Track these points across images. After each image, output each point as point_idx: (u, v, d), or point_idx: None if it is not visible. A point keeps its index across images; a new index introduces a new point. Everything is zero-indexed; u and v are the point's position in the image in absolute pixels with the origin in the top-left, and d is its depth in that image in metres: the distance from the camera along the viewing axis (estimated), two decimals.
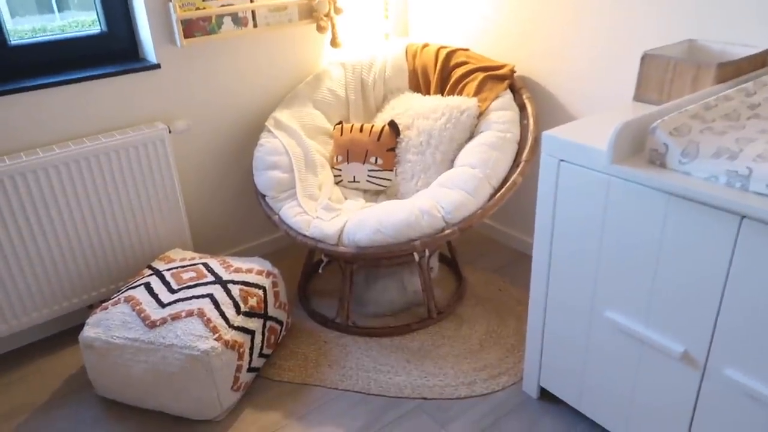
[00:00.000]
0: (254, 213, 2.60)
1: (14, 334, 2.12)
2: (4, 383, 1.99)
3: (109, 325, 1.79)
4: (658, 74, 1.61)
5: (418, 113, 2.21)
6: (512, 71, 2.21)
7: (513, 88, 2.22)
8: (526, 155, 2.01)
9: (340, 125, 2.30)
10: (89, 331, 1.80)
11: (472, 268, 2.49)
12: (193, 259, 2.07)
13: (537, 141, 2.06)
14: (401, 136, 2.23)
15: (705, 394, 1.33)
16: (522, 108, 2.15)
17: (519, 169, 1.98)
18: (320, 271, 2.15)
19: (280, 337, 2.07)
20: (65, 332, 2.23)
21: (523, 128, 2.10)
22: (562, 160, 1.46)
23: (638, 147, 1.33)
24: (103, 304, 1.88)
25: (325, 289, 2.40)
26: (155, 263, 2.09)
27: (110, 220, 2.10)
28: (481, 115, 2.14)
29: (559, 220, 1.52)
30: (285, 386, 1.92)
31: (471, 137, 2.14)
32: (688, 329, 1.31)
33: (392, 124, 2.22)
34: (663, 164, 1.26)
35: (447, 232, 1.90)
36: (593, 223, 1.43)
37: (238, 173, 2.48)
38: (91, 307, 2.26)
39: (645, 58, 1.63)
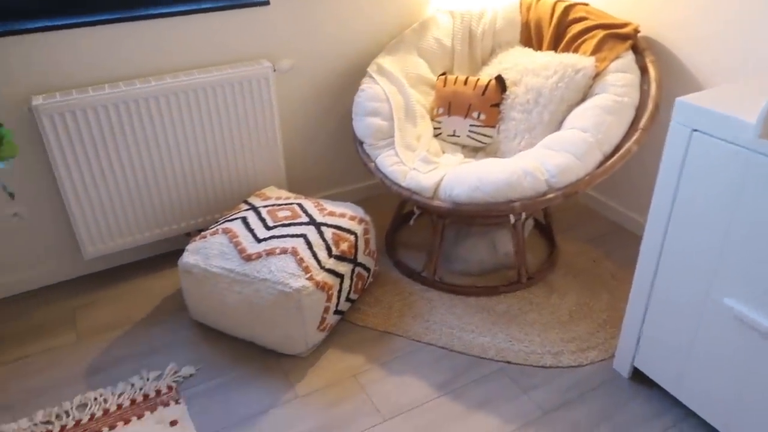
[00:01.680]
0: (348, 158, 2.59)
1: (120, 252, 2.24)
2: (109, 296, 2.12)
3: (207, 254, 1.85)
4: None
5: (528, 69, 2.10)
6: (636, 31, 2.05)
7: (635, 50, 2.06)
8: (644, 123, 1.87)
9: (443, 76, 2.22)
10: (188, 258, 1.87)
11: (566, 236, 2.40)
12: (288, 198, 2.10)
13: (657, 108, 1.91)
14: (507, 93, 2.13)
15: None
16: (644, 71, 2.00)
17: (635, 137, 1.86)
18: (411, 223, 2.13)
19: (367, 284, 2.08)
20: (164, 255, 2.34)
21: (643, 93, 1.95)
22: (695, 130, 1.34)
23: None
24: (202, 233, 1.94)
25: (412, 241, 2.38)
26: (251, 199, 2.13)
27: (211, 153, 2.15)
28: (597, 76, 2.01)
29: (682, 196, 1.41)
30: (368, 332, 1.94)
31: (583, 99, 2.02)
32: None
33: (499, 79, 2.13)
34: None
35: (549, 196, 1.82)
36: (724, 202, 1.31)
37: (336, 117, 2.47)
38: (188, 235, 2.36)
39: None
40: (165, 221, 2.18)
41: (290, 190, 2.52)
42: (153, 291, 2.15)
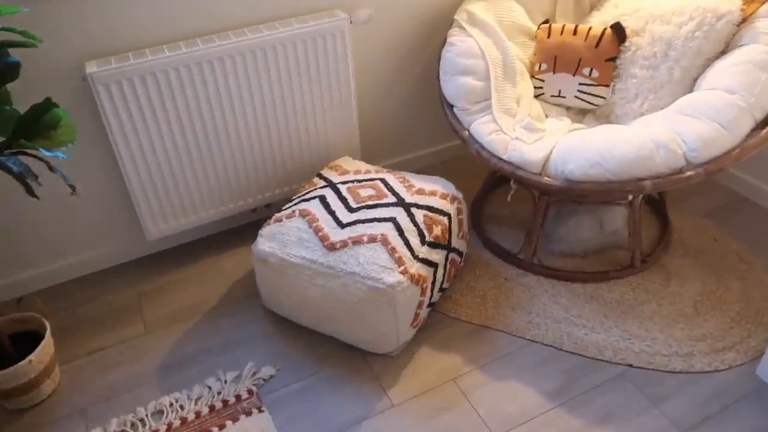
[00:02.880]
0: (426, 120, 2.31)
1: (184, 231, 2.05)
2: (174, 281, 1.95)
3: (284, 241, 1.64)
4: None
5: (654, 15, 1.75)
6: None
7: None
8: None
9: (546, 25, 1.90)
10: (264, 244, 1.66)
11: (679, 210, 2.10)
12: (369, 172, 1.85)
13: None
14: (627, 44, 1.80)
15: None
16: None
17: None
18: (509, 199, 1.86)
19: (459, 270, 1.86)
20: (229, 232, 2.15)
21: None
22: None
23: None
24: (276, 215, 1.73)
25: (502, 214, 2.12)
26: (326, 172, 1.90)
27: (281, 119, 1.91)
28: (743, 22, 1.65)
29: None
30: (463, 326, 1.73)
31: (723, 52, 1.67)
32: None
33: (616, 28, 1.79)
34: None
35: (688, 174, 1.52)
36: None
37: (414, 75, 2.18)
38: (254, 211, 2.15)
39: None
40: (231, 197, 1.98)
41: (363, 157, 2.27)
42: (220, 274, 1.97)
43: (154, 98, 1.70)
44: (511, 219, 2.10)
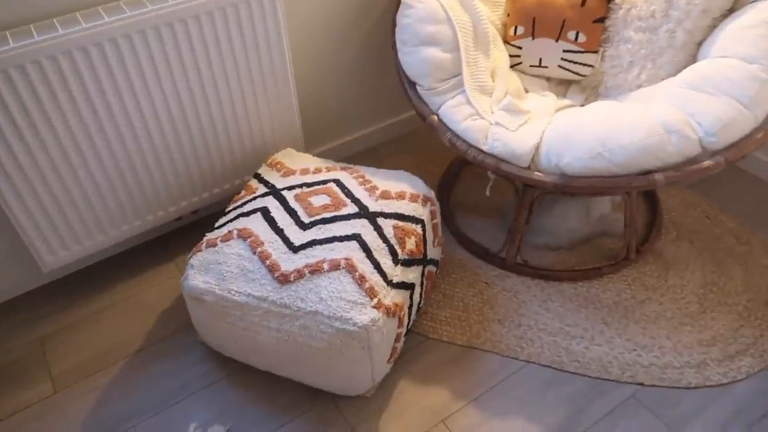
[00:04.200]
0: (373, 92, 1.97)
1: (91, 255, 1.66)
2: (85, 317, 1.57)
3: (222, 273, 1.30)
4: None
5: None
6: None
7: None
8: None
9: None
10: (196, 279, 1.31)
11: None
12: (319, 171, 1.51)
13: None
14: (618, 1, 1.51)
15: None
16: None
17: None
18: (488, 193, 1.58)
19: (435, 281, 1.58)
20: (150, 245, 1.77)
21: None
22: None
23: None
24: (209, 237, 1.38)
25: (474, 202, 1.85)
26: (264, 172, 1.54)
27: (201, 107, 1.52)
28: None
29: None
30: (446, 348, 1.47)
31: (732, 10, 1.42)
32: None
33: None
34: None
35: (706, 164, 1.29)
36: None
37: (356, 41, 1.82)
38: (179, 219, 1.77)
39: None
40: (147, 208, 1.59)
41: (306, 142, 1.91)
42: (143, 303, 1.61)
43: (41, 92, 1.27)
44: (484, 207, 1.83)
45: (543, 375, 1.41)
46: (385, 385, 1.40)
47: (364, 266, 1.27)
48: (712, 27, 1.42)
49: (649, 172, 1.30)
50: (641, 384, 1.38)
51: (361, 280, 1.24)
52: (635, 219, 1.56)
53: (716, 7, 1.40)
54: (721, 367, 1.40)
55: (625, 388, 1.38)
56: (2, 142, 1.29)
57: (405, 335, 1.41)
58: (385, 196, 1.43)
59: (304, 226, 1.35)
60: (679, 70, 1.44)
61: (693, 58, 1.44)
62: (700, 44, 1.43)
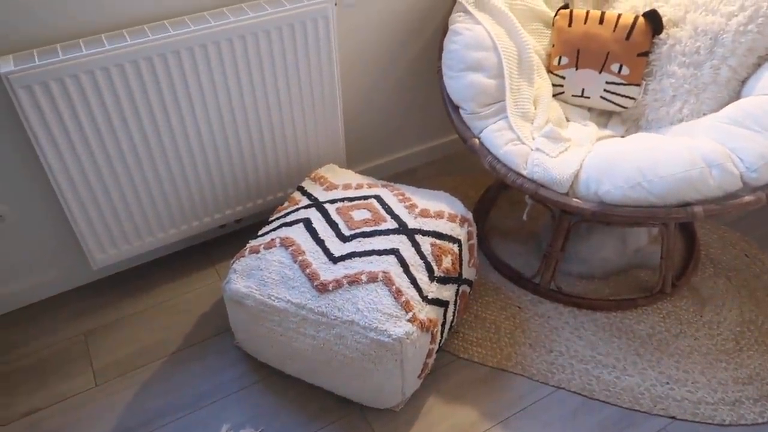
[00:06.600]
0: (416, 114, 2.02)
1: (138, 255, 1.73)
2: (128, 315, 1.64)
3: (264, 279, 1.35)
4: None
5: (696, 2, 1.49)
6: None
7: None
8: None
9: (567, 11, 1.61)
10: (238, 283, 1.36)
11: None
12: (361, 187, 1.56)
13: None
14: (662, 36, 1.54)
15: None
16: None
17: None
18: (525, 218, 1.61)
19: (469, 302, 1.60)
20: (192, 251, 1.83)
21: None
22: None
23: None
24: (252, 244, 1.43)
25: (509, 226, 1.87)
26: (308, 185, 1.60)
27: (252, 120, 1.59)
28: None
29: None
30: (476, 369, 1.48)
31: None
32: None
33: (651, 16, 1.52)
34: None
35: (746, 199, 1.29)
36: None
37: (404, 64, 1.88)
38: (223, 227, 1.84)
39: None
40: (194, 214, 1.66)
41: (348, 158, 1.97)
42: (184, 305, 1.67)
43: (93, 102, 1.36)
44: (520, 232, 1.85)
45: (573, 402, 1.41)
46: (414, 401, 1.42)
47: (401, 280, 1.30)
48: (758, 65, 1.43)
49: (688, 204, 1.31)
50: (673, 417, 1.37)
51: (397, 294, 1.28)
52: (672, 252, 1.56)
53: (762, 46, 1.41)
54: (757, 407, 1.38)
55: (657, 420, 1.36)
56: (67, 142, 1.37)
57: (436, 352, 1.43)
58: (424, 214, 1.46)
59: (344, 239, 1.40)
60: (722, 106, 1.45)
61: (737, 95, 1.46)
62: (744, 81, 1.45)
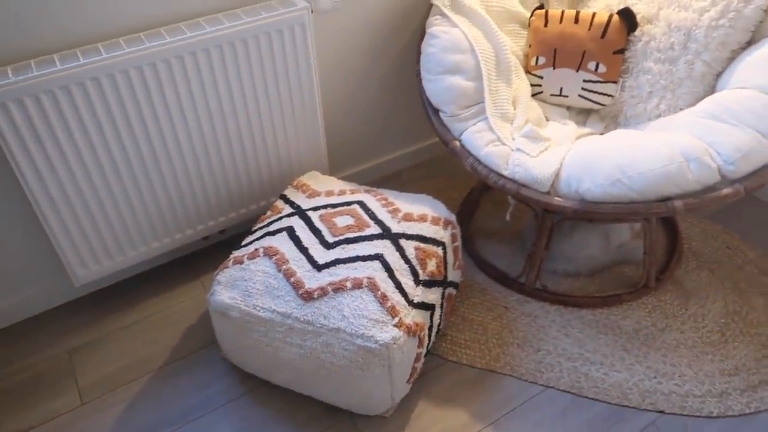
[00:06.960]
0: (397, 118, 2.02)
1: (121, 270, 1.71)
2: (112, 331, 1.62)
3: (248, 289, 1.34)
4: None
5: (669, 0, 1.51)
6: None
7: None
8: None
9: (542, 11, 1.62)
10: (222, 294, 1.35)
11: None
12: (343, 193, 1.56)
13: None
14: (637, 33, 1.55)
15: None
16: None
17: None
18: (508, 218, 1.61)
19: (455, 304, 1.60)
20: (176, 264, 1.82)
21: None
22: None
23: None
24: (236, 254, 1.42)
25: (493, 227, 1.87)
26: (290, 193, 1.59)
27: (232, 130, 1.58)
28: None
29: None
30: (465, 371, 1.48)
31: (750, 42, 1.45)
32: None
33: (625, 14, 1.54)
34: None
35: (724, 192, 1.30)
36: None
37: (383, 69, 1.88)
38: (206, 239, 1.83)
39: None
40: (177, 227, 1.64)
41: (330, 165, 1.96)
42: (169, 319, 1.65)
43: (69, 117, 1.34)
44: (504, 233, 1.85)
45: (562, 400, 1.41)
46: (403, 406, 1.41)
47: (386, 285, 1.30)
48: (731, 59, 1.45)
49: (668, 199, 1.32)
50: (662, 412, 1.37)
51: (383, 299, 1.27)
52: (655, 246, 1.57)
53: (734, 40, 1.43)
54: (743, 397, 1.39)
55: (646, 415, 1.37)
56: (43, 158, 1.35)
57: (424, 356, 1.43)
58: (408, 218, 1.46)
59: (328, 246, 1.39)
60: (698, 101, 1.47)
61: (712, 89, 1.47)
62: (718, 75, 1.47)
